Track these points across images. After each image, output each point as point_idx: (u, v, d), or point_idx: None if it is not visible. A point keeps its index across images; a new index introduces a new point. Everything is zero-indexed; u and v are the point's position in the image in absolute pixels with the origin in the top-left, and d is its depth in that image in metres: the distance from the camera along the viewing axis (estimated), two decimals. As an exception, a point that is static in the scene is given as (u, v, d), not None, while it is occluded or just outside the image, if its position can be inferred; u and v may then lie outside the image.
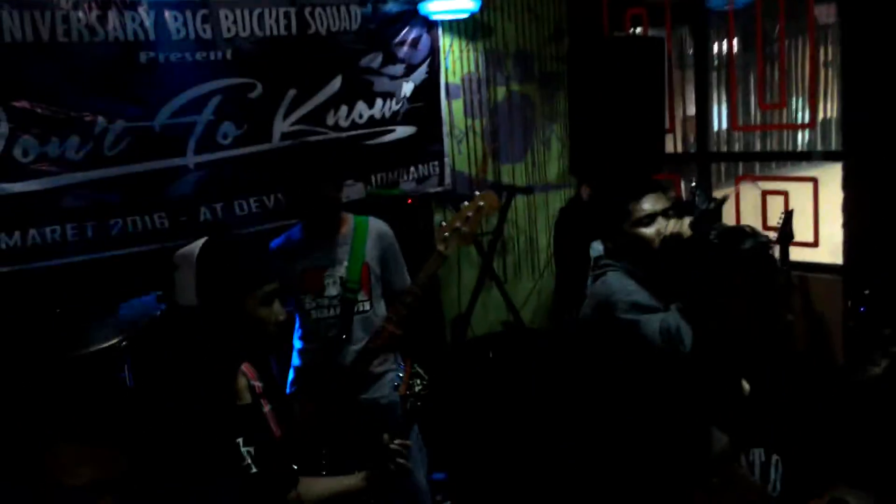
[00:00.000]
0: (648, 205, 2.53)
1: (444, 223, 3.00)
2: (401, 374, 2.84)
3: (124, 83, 3.67)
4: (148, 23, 3.69)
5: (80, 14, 3.52)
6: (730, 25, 4.86)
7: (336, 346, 3.02)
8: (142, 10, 3.67)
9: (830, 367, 4.17)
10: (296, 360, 3.18)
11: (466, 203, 2.99)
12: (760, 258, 2.08)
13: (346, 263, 3.03)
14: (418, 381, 2.97)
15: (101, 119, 3.61)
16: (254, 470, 1.87)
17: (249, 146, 4.07)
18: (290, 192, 3.06)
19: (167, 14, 3.75)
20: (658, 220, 2.51)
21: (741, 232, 2.23)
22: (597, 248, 3.31)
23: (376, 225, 3.16)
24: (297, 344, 3.16)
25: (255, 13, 4.02)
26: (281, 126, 4.17)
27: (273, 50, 4.08)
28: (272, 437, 1.99)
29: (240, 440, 1.87)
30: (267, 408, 2.03)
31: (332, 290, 3.04)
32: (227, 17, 3.93)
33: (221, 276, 1.86)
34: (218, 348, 1.90)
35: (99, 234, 3.66)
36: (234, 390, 1.96)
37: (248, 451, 1.87)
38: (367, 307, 3.08)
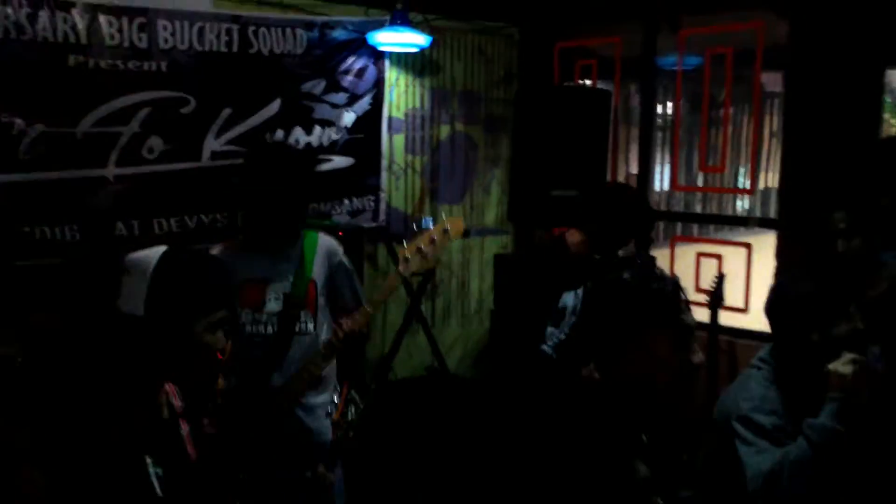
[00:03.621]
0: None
1: (405, 243, 2.93)
2: (336, 399, 2.68)
3: (49, 86, 3.59)
4: (81, 25, 3.63)
5: (9, 10, 3.45)
6: (677, 86, 4.95)
7: (268, 365, 2.86)
8: (75, 12, 3.62)
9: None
10: (221, 382, 2.93)
11: (432, 226, 2.92)
12: (667, 299, 2.04)
13: (291, 279, 2.89)
14: (353, 409, 2.87)
15: (19, 121, 3.53)
16: (159, 493, 1.78)
17: (176, 163, 4.00)
18: (257, 196, 2.86)
19: (102, 18, 3.69)
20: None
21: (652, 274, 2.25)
22: (566, 300, 3.31)
23: (326, 241, 3.04)
24: (228, 363, 2.99)
25: (196, 27, 3.98)
26: (212, 145, 4.11)
27: (211, 66, 4.04)
28: (187, 460, 1.92)
29: (149, 459, 1.80)
30: (185, 429, 1.95)
31: (273, 306, 2.88)
32: (165, 28, 3.89)
33: (176, 294, 1.83)
34: (153, 363, 1.85)
35: (3, 241, 3.55)
36: (155, 406, 1.90)
37: (157, 473, 1.79)
38: (310, 328, 2.92)
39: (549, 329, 3.33)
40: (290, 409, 2.85)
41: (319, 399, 2.94)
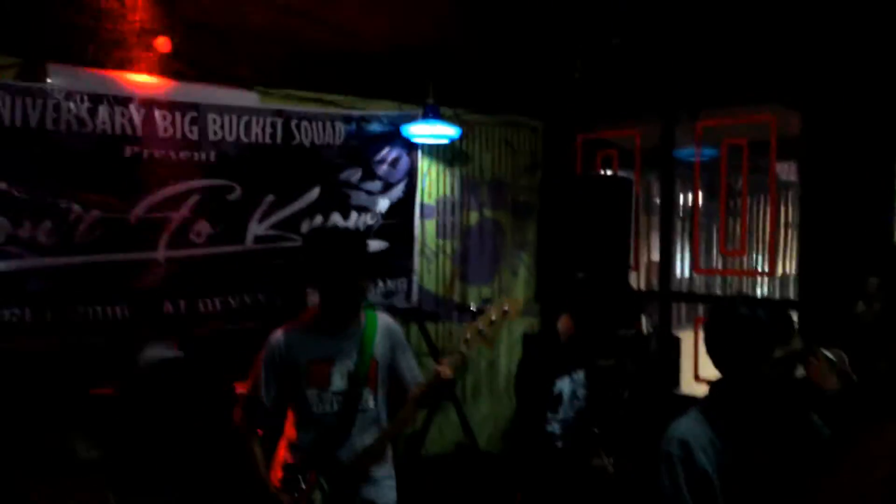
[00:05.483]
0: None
1: (466, 324, 3.03)
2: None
3: (106, 174, 3.76)
4: (137, 119, 3.82)
5: (72, 105, 3.65)
6: (695, 176, 5.00)
7: (335, 441, 2.86)
8: (132, 107, 3.82)
9: None
10: (288, 457, 2.97)
11: (492, 306, 2.99)
12: None
13: (354, 357, 2.89)
14: None
15: (77, 207, 3.69)
16: None
17: (222, 246, 4.12)
18: (321, 278, 2.90)
19: (157, 112, 3.89)
20: None
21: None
22: (560, 386, 3.31)
23: (385, 319, 3.05)
24: (293, 439, 2.96)
25: (244, 120, 4.18)
26: (255, 229, 4.25)
27: (256, 156, 4.22)
28: None
29: None
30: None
31: (339, 385, 2.88)
32: (215, 122, 4.09)
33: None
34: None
35: (57, 319, 3.65)
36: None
37: None
38: (371, 405, 2.92)
39: (550, 415, 3.33)
40: (358, 484, 2.87)
41: (382, 471, 2.96)
